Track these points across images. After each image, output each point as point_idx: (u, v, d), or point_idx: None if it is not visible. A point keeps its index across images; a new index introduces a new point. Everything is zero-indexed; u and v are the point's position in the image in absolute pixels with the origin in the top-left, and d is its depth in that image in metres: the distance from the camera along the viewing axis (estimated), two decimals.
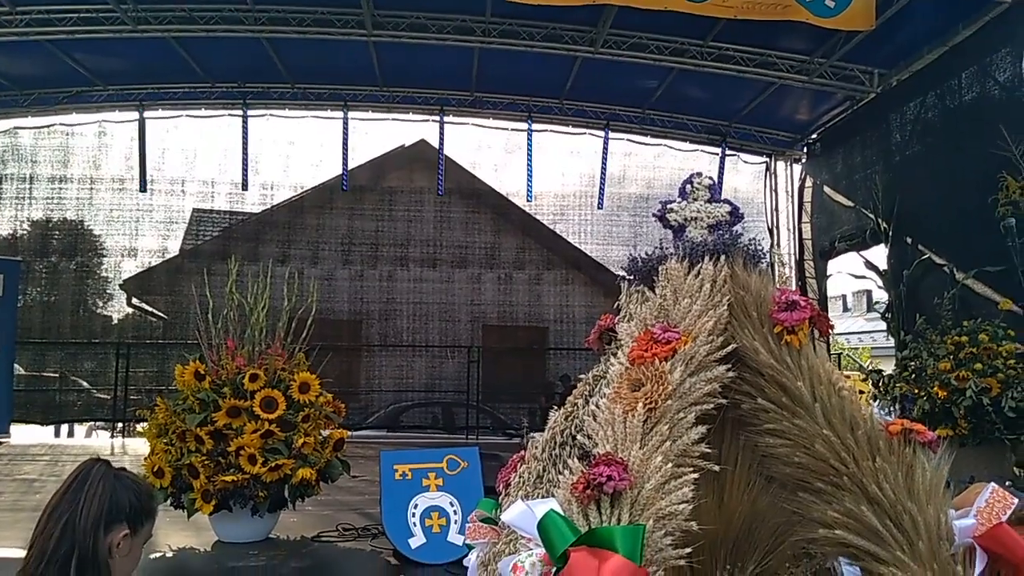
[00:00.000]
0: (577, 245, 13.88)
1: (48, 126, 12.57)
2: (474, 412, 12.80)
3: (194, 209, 13.47)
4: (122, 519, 1.80)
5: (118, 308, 13.70)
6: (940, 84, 8.89)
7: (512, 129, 13.06)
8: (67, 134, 12.73)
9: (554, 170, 13.58)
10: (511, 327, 14.06)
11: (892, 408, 6.20)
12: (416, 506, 4.39)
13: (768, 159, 13.29)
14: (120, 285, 13.26)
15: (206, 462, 4.42)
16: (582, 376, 2.51)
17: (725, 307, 2.20)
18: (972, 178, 7.64)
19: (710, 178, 2.61)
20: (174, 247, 13.33)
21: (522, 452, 2.49)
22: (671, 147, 13.00)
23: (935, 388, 5.47)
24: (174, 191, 13.24)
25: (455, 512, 4.41)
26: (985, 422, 5.23)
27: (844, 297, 29.45)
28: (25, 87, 11.43)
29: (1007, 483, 4.62)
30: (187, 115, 12.46)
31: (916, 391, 5.66)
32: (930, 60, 9.32)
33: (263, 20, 9.76)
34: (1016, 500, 1.88)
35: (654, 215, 2.56)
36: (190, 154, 13.20)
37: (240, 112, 12.22)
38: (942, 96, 8.82)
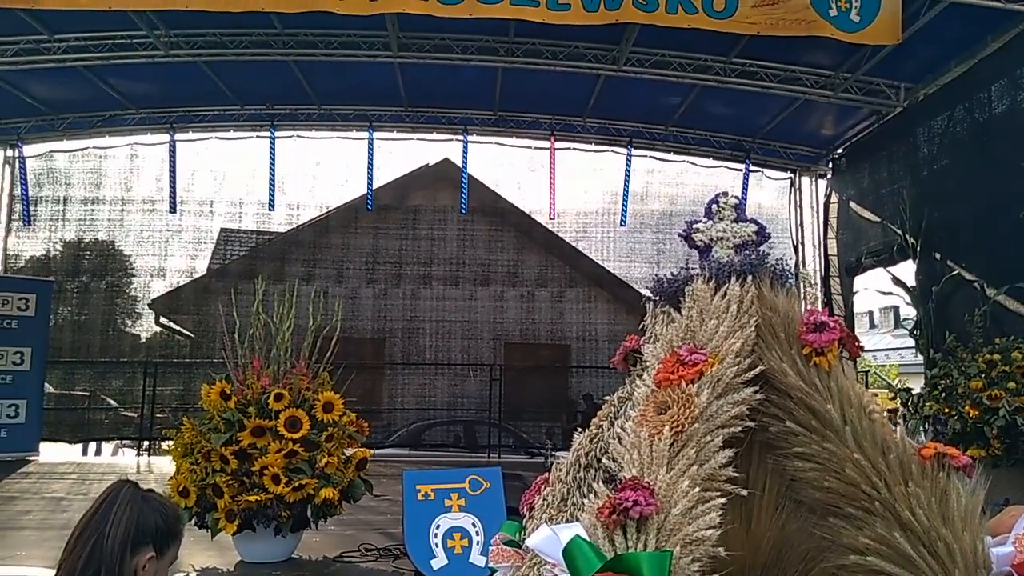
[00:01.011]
0: (600, 262, 13.84)
1: (82, 149, 12.88)
2: (496, 431, 12.74)
3: (222, 229, 13.69)
4: (148, 542, 1.81)
5: (146, 327, 13.93)
6: (969, 97, 8.77)
7: (535, 147, 13.11)
8: (100, 157, 13.04)
9: (577, 188, 13.60)
10: (533, 345, 14.03)
11: (922, 427, 6.07)
12: (438, 527, 4.36)
13: (793, 175, 13.18)
14: (149, 304, 13.48)
15: (230, 482, 4.44)
16: (607, 397, 2.48)
17: (752, 328, 2.17)
18: (1003, 192, 7.51)
19: (736, 198, 2.59)
20: (202, 267, 13.53)
21: (546, 474, 2.46)
22: (694, 164, 12.95)
23: (966, 407, 5.35)
24: (203, 212, 13.47)
25: (477, 533, 4.38)
26: (1019, 442, 5.10)
27: (871, 313, 29.03)
28: (61, 111, 11.75)
29: None
30: (216, 137, 12.71)
31: (947, 410, 5.52)
32: (958, 73, 9.20)
33: (291, 44, 9.95)
34: None
35: (680, 235, 2.54)
36: (219, 175, 13.44)
37: (268, 133, 12.42)
38: (971, 109, 8.70)
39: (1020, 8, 7.87)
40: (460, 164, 12.82)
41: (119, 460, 12.33)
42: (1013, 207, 7.06)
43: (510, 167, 13.69)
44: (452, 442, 13.18)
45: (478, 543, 4.36)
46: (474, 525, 4.43)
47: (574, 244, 13.93)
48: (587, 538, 1.64)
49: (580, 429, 2.44)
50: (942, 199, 8.92)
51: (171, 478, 4.71)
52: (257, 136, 12.65)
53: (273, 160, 12.52)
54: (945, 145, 9.23)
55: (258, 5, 7.86)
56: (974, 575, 1.74)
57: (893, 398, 6.65)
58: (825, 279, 12.22)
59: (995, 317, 7.00)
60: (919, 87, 10.02)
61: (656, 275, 2.44)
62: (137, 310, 13.86)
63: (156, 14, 9.09)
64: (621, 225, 13.18)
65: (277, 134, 12.47)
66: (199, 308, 13.22)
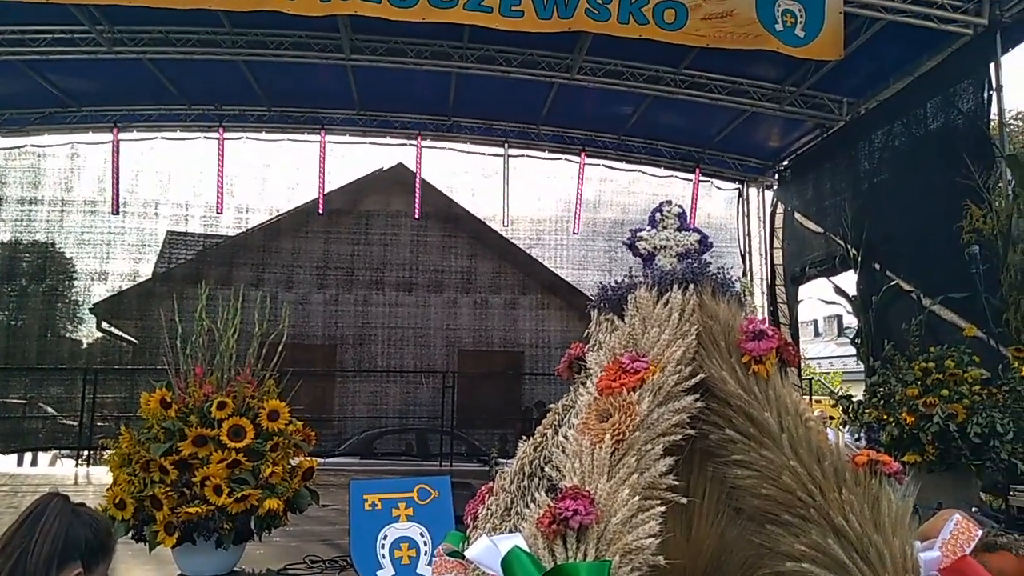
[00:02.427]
0: (553, 269, 13.91)
1: (19, 147, 12.40)
2: (448, 439, 12.67)
3: (168, 232, 13.33)
4: (76, 557, 1.74)
5: (87, 333, 13.46)
6: (906, 113, 9.11)
7: (489, 154, 13.14)
8: (39, 155, 12.58)
9: (530, 195, 13.66)
10: (486, 352, 14.01)
11: (861, 434, 6.25)
12: (385, 537, 4.29)
13: (740, 185, 13.48)
14: (90, 309, 13.02)
15: (170, 493, 4.29)
16: (551, 406, 2.48)
17: (693, 336, 2.19)
18: (938, 205, 7.80)
19: (679, 207, 2.62)
20: (146, 271, 13.15)
21: (490, 483, 2.45)
22: (646, 173, 13.15)
23: (903, 414, 5.51)
24: (147, 214, 13.10)
25: (425, 543, 4.32)
26: (952, 448, 5.27)
27: (815, 322, 29.80)
28: None
29: (973, 508, 4.65)
30: (162, 137, 12.39)
31: (885, 417, 5.69)
32: (896, 90, 9.57)
33: (241, 43, 9.76)
34: (980, 531, 1.89)
35: (624, 243, 2.56)
36: (164, 176, 13.09)
37: (216, 134, 12.16)
38: (908, 125, 9.03)
39: (953, 29, 8.23)
40: (414, 169, 12.76)
41: (57, 471, 11.87)
42: (947, 220, 7.34)
43: (464, 173, 13.69)
44: (404, 450, 13.05)
45: (426, 553, 4.30)
46: (422, 535, 4.38)
47: (528, 251, 13.97)
48: (527, 548, 1.63)
49: (525, 437, 2.44)
50: (881, 211, 9.22)
51: (108, 489, 4.53)
52: (205, 137, 12.38)
53: (222, 162, 12.27)
54: (884, 159, 9.56)
55: (206, 3, 7.70)
56: None
57: (835, 405, 6.83)
58: (771, 288, 12.51)
59: (930, 326, 7.26)
60: (860, 102, 10.37)
61: (600, 282, 2.45)
62: (78, 315, 13.39)
63: (99, 9, 8.83)
64: (574, 233, 13.32)
65: (226, 135, 12.23)
66: (143, 313, 12.83)
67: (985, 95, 7.74)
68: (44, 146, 12.47)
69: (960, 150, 7.54)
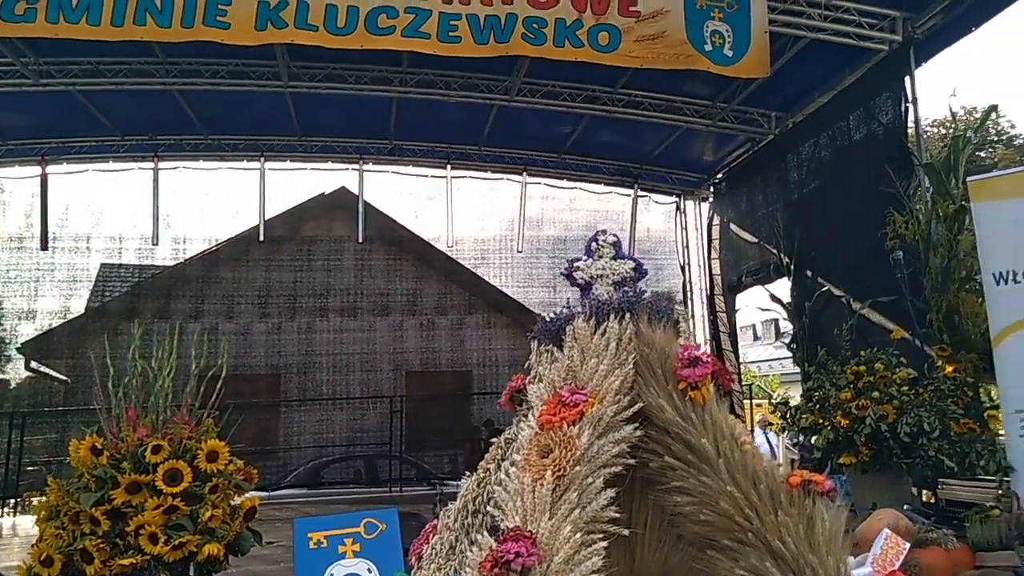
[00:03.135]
0: (499, 288, 13.94)
1: None
2: (398, 463, 12.51)
3: (102, 264, 12.88)
4: None
5: (14, 373, 12.84)
6: (831, 126, 9.47)
7: (432, 176, 13.12)
8: None
9: (474, 215, 13.70)
10: (434, 373, 13.91)
11: (800, 438, 6.41)
12: (332, 575, 4.20)
13: (678, 199, 13.79)
14: (17, 348, 12.45)
15: (101, 545, 4.08)
16: (507, 430, 2.48)
17: (631, 365, 2.23)
18: (863, 213, 8.10)
19: (615, 236, 2.67)
20: (78, 306, 12.66)
21: (435, 521, 2.43)
22: (586, 190, 13.35)
23: (838, 417, 5.67)
24: (79, 248, 12.65)
25: None
26: (884, 448, 5.45)
27: (754, 326, 30.53)
28: None
29: (905, 506, 4.82)
30: (94, 169, 11.98)
31: (821, 421, 5.85)
32: (821, 104, 9.95)
33: (175, 72, 9.56)
34: (907, 546, 1.95)
35: (562, 274, 2.59)
36: (96, 209, 12.68)
37: (151, 164, 11.84)
38: (833, 137, 9.39)
39: (870, 45, 8.64)
40: (357, 192, 12.66)
41: None
42: (872, 227, 7.63)
43: (408, 195, 13.63)
44: (353, 478, 12.81)
45: None
46: (370, 571, 4.27)
47: (473, 270, 13.97)
48: None
49: (468, 473, 2.42)
50: (811, 220, 9.54)
51: (33, 545, 4.31)
52: (139, 168, 12.03)
53: (157, 192, 11.94)
54: (812, 170, 9.90)
55: (136, 34, 7.48)
56: None
57: (773, 411, 7.00)
58: (710, 297, 12.79)
59: (861, 330, 7.50)
60: (788, 116, 10.75)
61: (539, 315, 2.46)
62: (5, 354, 12.78)
63: (24, 42, 8.53)
64: (518, 251, 13.39)
65: (161, 165, 11.92)
66: (75, 351, 12.33)
67: (902, 107, 8.11)
68: None
69: (882, 160, 7.86)
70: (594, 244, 2.64)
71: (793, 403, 6.67)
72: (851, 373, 5.93)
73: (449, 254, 13.69)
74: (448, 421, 13.69)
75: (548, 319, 2.47)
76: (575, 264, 2.58)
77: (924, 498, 5.74)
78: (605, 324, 2.33)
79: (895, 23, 8.52)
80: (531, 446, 2.03)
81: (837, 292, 8.81)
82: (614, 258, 2.61)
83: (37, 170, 11.54)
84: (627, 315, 2.35)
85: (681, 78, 9.54)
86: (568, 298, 2.51)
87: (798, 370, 9.85)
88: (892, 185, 7.51)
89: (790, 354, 10.18)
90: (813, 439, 6.11)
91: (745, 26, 8.23)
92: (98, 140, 11.45)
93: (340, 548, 4.27)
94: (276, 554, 6.16)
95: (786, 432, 6.35)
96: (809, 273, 9.54)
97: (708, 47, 8.16)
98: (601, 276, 2.55)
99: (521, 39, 7.78)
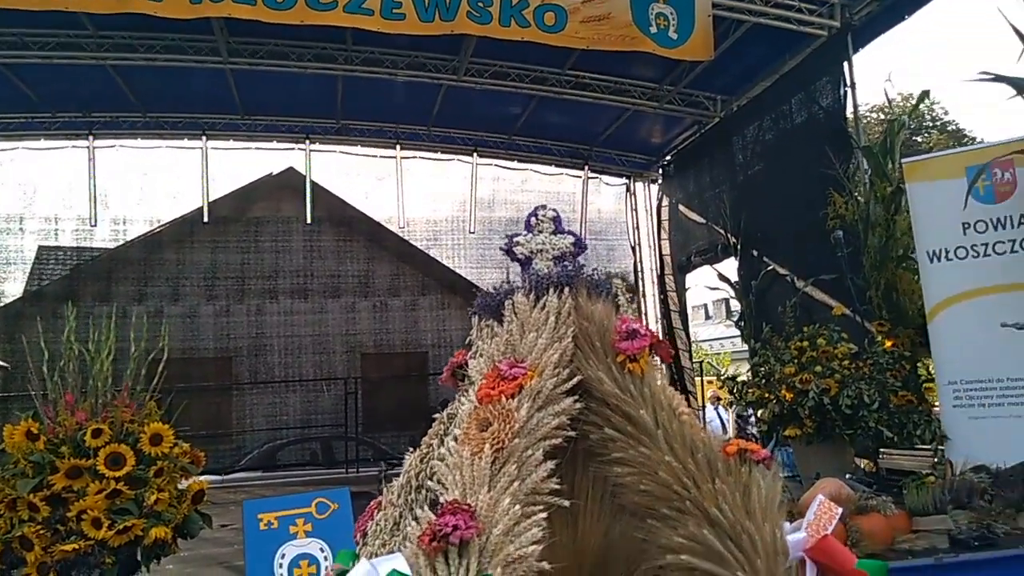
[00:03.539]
0: (453, 269, 13.91)
1: None
2: (354, 444, 12.45)
3: (39, 247, 12.41)
4: None
5: None
6: (774, 109, 9.66)
7: (381, 156, 12.97)
8: None
9: (425, 196, 13.59)
10: (389, 354, 13.85)
11: (748, 411, 6.58)
12: (283, 556, 4.18)
13: (628, 180, 13.92)
14: None
15: (41, 531, 3.99)
16: (436, 415, 2.48)
17: (570, 339, 2.24)
18: (805, 194, 8.30)
19: (554, 210, 2.67)
20: (14, 290, 12.19)
21: (379, 498, 2.43)
22: (537, 171, 13.36)
23: (783, 391, 5.84)
24: (11, 229, 12.17)
25: (326, 558, 4.24)
26: (827, 420, 5.63)
27: (705, 305, 31.14)
28: None
29: (847, 476, 5.01)
30: (24, 147, 11.49)
31: (767, 395, 6.01)
32: (764, 87, 10.13)
33: (107, 47, 9.18)
34: (840, 511, 2.03)
35: (501, 249, 2.59)
36: (29, 188, 12.17)
37: (86, 142, 11.42)
38: (776, 120, 9.58)
39: (810, 31, 8.83)
40: (304, 173, 12.44)
41: None
42: (814, 208, 7.83)
43: (357, 176, 13.44)
44: (309, 460, 12.72)
45: (327, 568, 4.22)
46: (322, 550, 4.29)
47: (426, 251, 13.91)
48: (407, 570, 1.62)
49: (412, 449, 2.42)
50: (756, 201, 9.75)
51: None
52: (73, 146, 11.59)
53: (93, 171, 11.53)
54: (756, 152, 10.10)
55: (62, 4, 7.18)
56: (774, 562, 1.88)
57: (722, 387, 7.16)
58: (660, 277, 12.99)
59: (805, 307, 7.72)
60: (733, 99, 10.92)
61: (476, 289, 2.47)
62: None
63: None
64: (470, 232, 13.37)
65: (97, 143, 11.52)
66: (11, 336, 11.83)
67: (841, 91, 8.32)
68: None
69: (822, 142, 8.06)
70: (533, 219, 2.64)
71: (741, 379, 6.84)
72: (795, 348, 6.09)
73: (401, 235, 13.58)
74: (404, 402, 13.63)
75: (488, 293, 2.48)
76: (515, 239, 2.58)
77: (865, 468, 5.96)
78: (545, 298, 2.34)
79: (833, 9, 8.71)
80: (470, 420, 2.04)
81: (782, 271, 9.03)
82: (554, 233, 2.62)
83: None
84: (566, 289, 2.36)
85: (628, 60, 9.60)
86: (500, 283, 2.52)
87: (747, 348, 10.10)
88: (832, 167, 7.70)
89: (739, 332, 10.42)
90: (759, 412, 6.27)
91: (689, 9, 8.32)
92: (28, 116, 10.96)
93: (291, 528, 4.26)
94: (229, 536, 6.10)
95: (734, 406, 6.51)
96: (755, 252, 9.75)
97: (653, 29, 8.22)
98: (541, 251, 2.56)
99: (467, 17, 7.71)
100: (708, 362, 18.54)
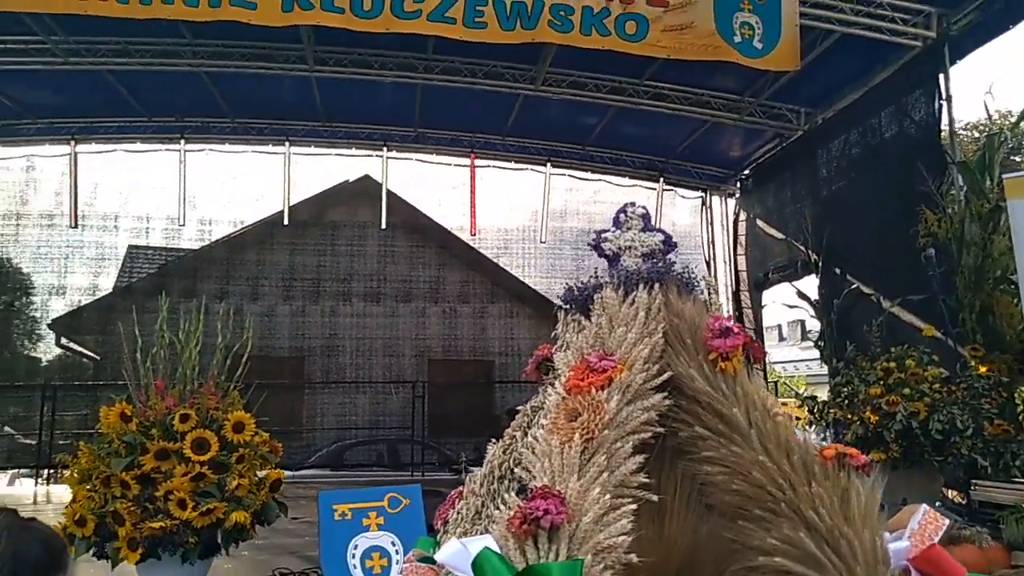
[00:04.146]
0: (521, 278, 13.95)
1: None
2: (419, 448, 12.58)
3: (129, 246, 13.08)
4: (28, 574, 1.68)
5: (46, 349, 13.11)
6: (862, 122, 9.34)
7: (455, 164, 13.14)
8: None
9: (498, 205, 13.72)
10: (456, 361, 13.97)
11: (827, 433, 6.35)
12: (356, 547, 4.24)
13: (704, 194, 13.68)
14: (48, 325, 12.70)
15: (132, 508, 4.18)
16: (519, 407, 2.48)
17: (660, 335, 2.21)
18: (894, 211, 8.00)
19: (643, 208, 2.65)
20: (106, 284, 12.88)
21: (460, 488, 2.43)
22: (610, 183, 13.28)
23: (867, 413, 5.62)
24: (107, 227, 12.86)
25: (397, 552, 4.28)
26: (915, 445, 5.39)
27: (780, 327, 30.26)
28: None
29: (936, 504, 4.76)
30: (122, 150, 12.14)
31: (849, 416, 5.80)
32: (852, 100, 9.81)
33: (202, 54, 9.64)
34: (947, 520, 1.93)
35: (589, 244, 2.58)
36: (124, 189, 12.85)
37: (178, 146, 11.98)
38: (864, 134, 9.26)
39: (903, 41, 8.49)
40: (380, 180, 12.72)
41: (15, 490, 11.50)
42: (903, 225, 7.52)
43: (431, 184, 13.66)
44: (375, 461, 12.92)
45: (398, 562, 4.25)
46: (393, 544, 4.33)
47: (495, 260, 14.00)
48: (497, 550, 1.62)
49: (494, 440, 2.43)
50: (840, 217, 9.43)
51: (67, 506, 4.40)
52: (167, 149, 12.19)
53: (184, 174, 12.09)
54: (842, 167, 9.78)
55: (164, 12, 7.56)
56: (874, 571, 1.80)
57: (800, 406, 6.94)
58: (736, 294, 12.69)
59: (890, 327, 7.41)
60: (817, 112, 10.61)
61: (567, 283, 2.46)
62: (36, 331, 13.04)
63: (54, 19, 8.65)
64: (541, 242, 13.39)
65: (188, 147, 12.06)
66: (103, 328, 12.55)
67: (936, 105, 7.98)
68: None
69: (914, 157, 7.76)
70: (622, 216, 2.62)
71: (821, 400, 6.62)
72: (881, 369, 5.87)
73: (471, 243, 13.71)
74: (469, 409, 13.73)
75: (576, 288, 2.46)
76: (603, 235, 2.57)
77: (954, 498, 5.67)
78: (634, 294, 2.32)
79: (929, 19, 8.37)
80: (559, 410, 2.02)
81: (866, 290, 8.70)
82: (642, 230, 2.59)
83: (67, 149, 11.74)
84: (656, 286, 2.33)
85: (709, 70, 9.45)
86: (596, 268, 2.50)
87: (824, 371, 9.76)
88: (924, 183, 7.39)
89: (816, 355, 10.11)
90: (847, 434, 6.06)
91: (776, 18, 8.14)
92: (126, 121, 11.59)
93: (364, 521, 4.32)
94: (300, 529, 6.25)
95: (813, 427, 6.30)
96: (838, 270, 9.43)
97: (737, 39, 8.08)
98: (629, 248, 2.53)
99: (548, 26, 7.75)
100: (784, 383, 17.98)
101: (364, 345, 13.38)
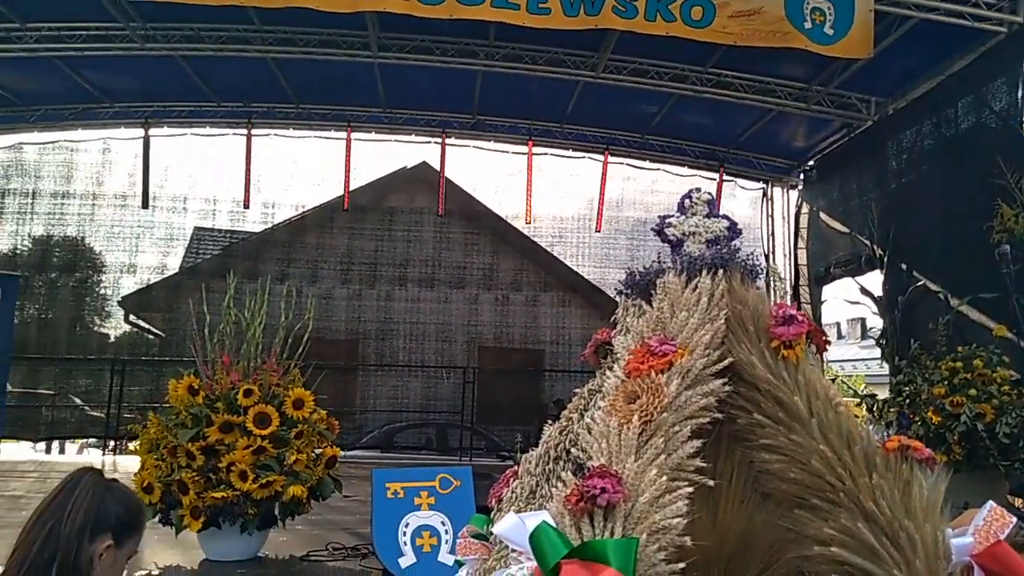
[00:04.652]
0: (574, 268, 13.91)
1: (53, 142, 12.65)
2: (468, 434, 12.71)
3: (195, 227, 13.52)
4: (107, 530, 1.77)
5: (115, 325, 13.69)
6: (936, 113, 8.98)
7: (513, 152, 13.15)
8: (71, 150, 12.82)
9: (553, 193, 13.66)
10: (507, 348, 14.03)
11: (886, 433, 6.16)
12: (407, 525, 4.33)
13: (765, 185, 13.37)
14: (118, 302, 13.24)
15: (196, 478, 4.37)
16: (577, 390, 2.49)
17: (722, 321, 2.18)
18: (967, 206, 7.68)
19: (708, 193, 2.62)
20: (174, 264, 13.34)
21: (515, 467, 2.46)
22: (669, 172, 13.09)
23: (929, 413, 5.44)
24: (176, 208, 13.30)
25: (446, 531, 4.36)
26: (980, 448, 5.20)
27: (839, 324, 29.47)
28: (32, 103, 11.53)
29: None
30: (192, 133, 12.54)
31: (911, 416, 5.62)
32: (926, 89, 9.42)
33: (270, 40, 9.88)
34: (1015, 519, 1.86)
35: (653, 229, 2.56)
36: (193, 172, 13.27)
37: (244, 131, 12.31)
38: (938, 125, 8.90)
39: (987, 27, 8.09)
40: (437, 167, 12.83)
41: (84, 459, 12.08)
42: (977, 220, 7.22)
43: (488, 171, 13.72)
44: (424, 444, 13.11)
45: (447, 541, 4.33)
46: (443, 523, 4.41)
47: (549, 249, 13.98)
48: (554, 525, 1.64)
49: (551, 421, 2.45)
50: (909, 212, 9.10)
51: (135, 474, 4.62)
52: (234, 133, 12.53)
53: (249, 158, 12.42)
54: (913, 159, 9.42)
55: None
56: (935, 565, 1.76)
57: (859, 404, 6.76)
58: (795, 288, 12.40)
59: (958, 327, 7.14)
60: (889, 101, 10.23)
61: (628, 268, 2.45)
62: (106, 308, 13.62)
63: (132, 5, 8.98)
64: (596, 231, 13.30)
65: (254, 132, 12.37)
66: (170, 306, 13.03)
67: (1019, 94, 7.60)
68: (77, 141, 12.72)
69: (992, 149, 7.41)
70: (687, 201, 2.59)
71: (880, 398, 6.44)
72: (946, 369, 5.68)
73: (526, 232, 13.72)
74: (518, 397, 13.79)
75: (637, 273, 2.45)
76: (667, 220, 2.55)
77: (1020, 505, 5.46)
78: (697, 279, 2.30)
79: (1016, 4, 7.95)
80: (617, 392, 2.03)
81: (933, 287, 8.39)
82: (707, 216, 2.56)
83: (140, 132, 12.18)
84: (719, 272, 2.31)
85: (776, 58, 9.21)
86: (651, 258, 2.49)
87: (884, 371, 9.44)
88: (1002, 176, 7.07)
89: (875, 355, 9.82)
90: (908, 434, 5.88)
91: (849, 4, 7.88)
92: (196, 105, 11.96)
93: (416, 500, 4.41)
94: (352, 506, 6.40)
95: (872, 427, 6.13)
96: (904, 266, 9.11)
97: (807, 24, 7.86)
98: (693, 233, 2.51)
99: (612, 12, 7.68)
100: (842, 381, 17.51)
101: (417, 330, 13.56)
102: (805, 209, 12.37)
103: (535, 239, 13.91)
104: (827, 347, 2.30)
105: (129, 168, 12.78)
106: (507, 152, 13.22)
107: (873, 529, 1.80)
